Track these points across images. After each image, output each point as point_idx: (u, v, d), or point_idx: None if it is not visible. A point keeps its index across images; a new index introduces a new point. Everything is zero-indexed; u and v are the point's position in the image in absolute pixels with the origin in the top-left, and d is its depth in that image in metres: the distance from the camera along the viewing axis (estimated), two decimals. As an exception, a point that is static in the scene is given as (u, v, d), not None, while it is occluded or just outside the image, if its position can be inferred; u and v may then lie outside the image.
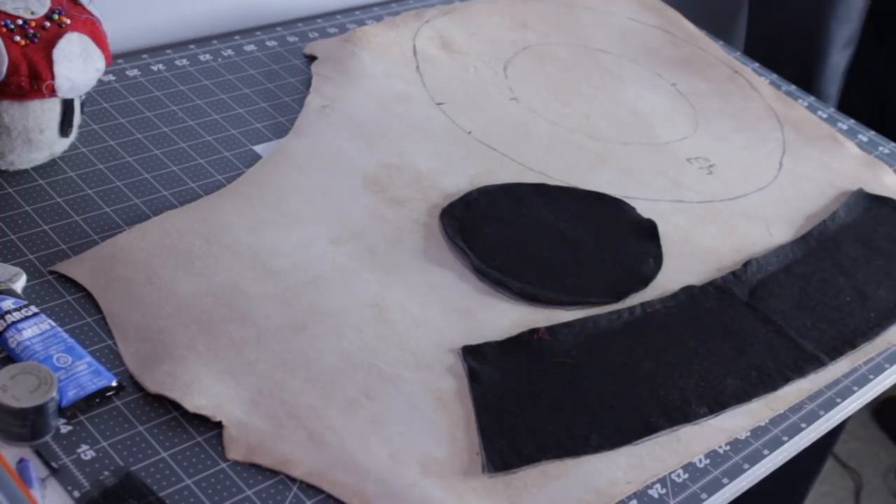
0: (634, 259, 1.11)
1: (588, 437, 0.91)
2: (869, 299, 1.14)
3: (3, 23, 0.97)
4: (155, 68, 1.22)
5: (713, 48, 1.55)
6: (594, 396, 0.95)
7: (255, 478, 0.82)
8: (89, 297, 0.92)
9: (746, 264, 1.14)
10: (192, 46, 1.28)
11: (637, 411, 0.94)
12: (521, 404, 0.93)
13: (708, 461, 0.93)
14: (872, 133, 1.46)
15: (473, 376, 0.93)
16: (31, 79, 0.97)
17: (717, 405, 0.97)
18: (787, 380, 1.02)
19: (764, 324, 1.07)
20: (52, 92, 0.98)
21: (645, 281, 1.09)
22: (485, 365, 0.95)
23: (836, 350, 1.07)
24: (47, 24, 0.99)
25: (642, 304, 1.06)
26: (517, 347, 0.98)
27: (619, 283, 1.08)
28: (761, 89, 1.48)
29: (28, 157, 1.03)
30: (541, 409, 0.93)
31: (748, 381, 1.00)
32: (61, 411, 0.82)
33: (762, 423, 0.98)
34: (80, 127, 1.08)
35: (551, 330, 1.00)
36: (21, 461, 0.77)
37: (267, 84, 1.25)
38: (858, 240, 1.22)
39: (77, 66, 0.99)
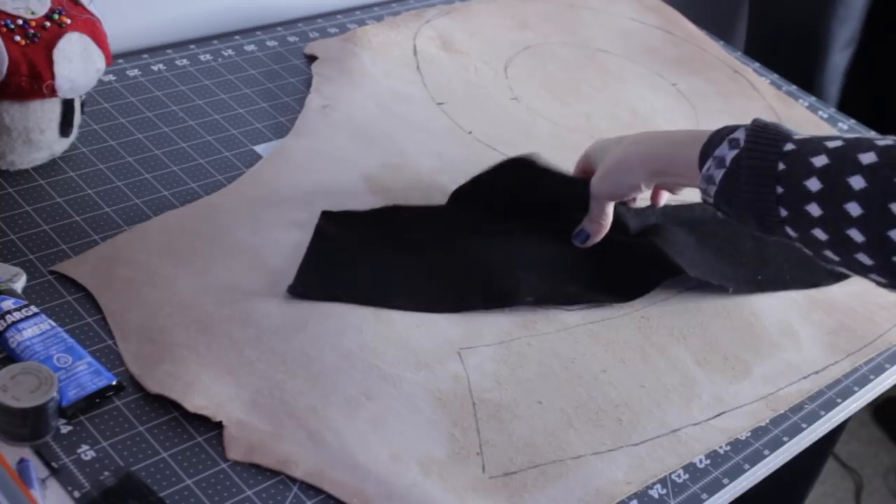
0: (635, 259, 1.11)
1: (398, 295, 0.96)
2: None
3: (3, 23, 0.97)
4: (155, 68, 1.22)
5: (714, 48, 1.55)
6: (425, 266, 1.00)
7: (256, 478, 0.82)
8: (89, 297, 0.92)
9: None
10: (192, 46, 1.27)
11: (455, 287, 0.99)
12: (351, 257, 0.99)
13: (708, 461, 0.93)
14: (873, 133, 1.46)
15: (319, 233, 1.00)
16: (32, 79, 0.97)
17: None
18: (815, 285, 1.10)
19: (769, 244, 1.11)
20: (53, 92, 0.98)
21: (646, 281, 1.09)
22: (337, 227, 1.01)
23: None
24: (47, 23, 0.99)
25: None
26: (377, 219, 1.04)
27: (620, 282, 1.08)
28: (762, 89, 1.48)
29: (28, 158, 1.03)
30: (367, 266, 0.98)
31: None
32: (61, 411, 0.82)
33: (762, 424, 0.98)
34: (81, 127, 1.08)
35: (415, 211, 1.06)
36: (21, 461, 0.77)
37: (267, 84, 1.25)
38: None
39: (77, 66, 0.99)
